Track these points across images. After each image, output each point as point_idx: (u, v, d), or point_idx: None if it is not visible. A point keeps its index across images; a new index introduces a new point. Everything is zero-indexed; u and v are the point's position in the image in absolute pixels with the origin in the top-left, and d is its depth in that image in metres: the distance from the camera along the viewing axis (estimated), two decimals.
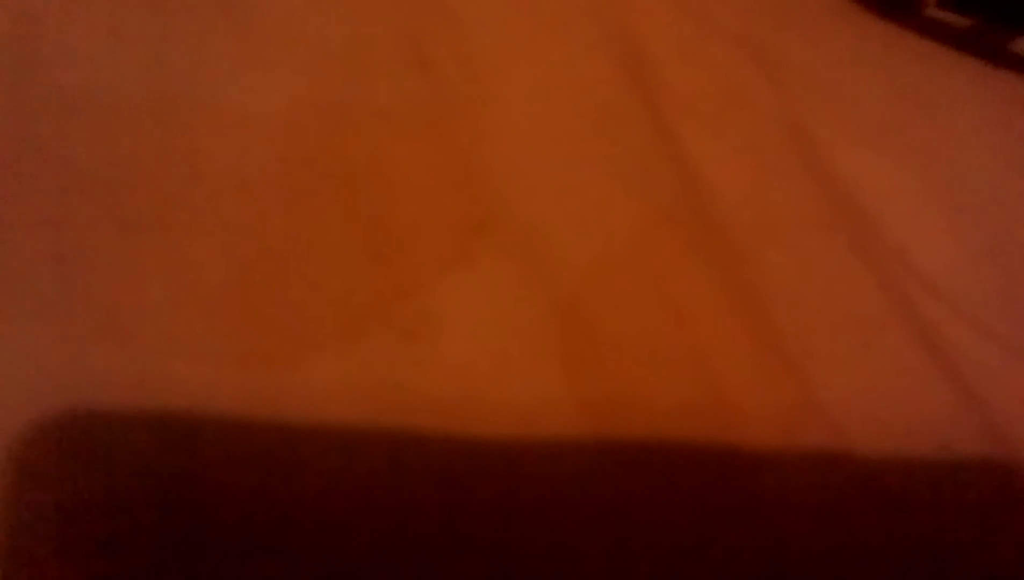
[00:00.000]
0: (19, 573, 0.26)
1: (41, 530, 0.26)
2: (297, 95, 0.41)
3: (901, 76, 0.58)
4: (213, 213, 0.35)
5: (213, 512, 0.28)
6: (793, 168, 0.49)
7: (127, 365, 0.30)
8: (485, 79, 0.46)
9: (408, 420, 0.31)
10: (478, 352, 0.34)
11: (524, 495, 0.31)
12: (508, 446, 0.32)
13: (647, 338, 0.36)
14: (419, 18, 0.46)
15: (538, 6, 0.50)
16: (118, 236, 0.33)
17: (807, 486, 0.33)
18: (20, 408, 0.28)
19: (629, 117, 0.46)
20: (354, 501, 0.29)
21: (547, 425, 0.33)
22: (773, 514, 0.32)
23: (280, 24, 0.43)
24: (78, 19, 0.40)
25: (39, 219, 0.32)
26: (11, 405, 0.28)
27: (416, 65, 0.45)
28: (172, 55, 0.40)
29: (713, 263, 0.40)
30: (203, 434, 0.29)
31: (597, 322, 0.36)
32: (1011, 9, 0.58)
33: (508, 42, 0.48)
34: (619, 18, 0.51)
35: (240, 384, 0.30)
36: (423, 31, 0.46)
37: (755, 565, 0.31)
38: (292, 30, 0.43)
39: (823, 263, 0.43)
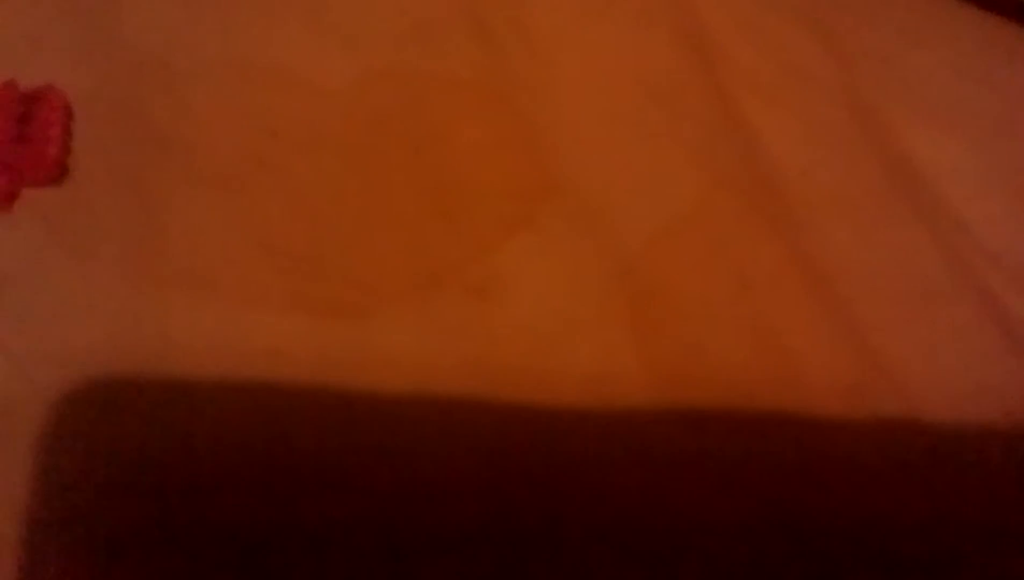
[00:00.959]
0: (46, 540, 0.27)
1: (73, 498, 0.27)
2: (365, 64, 0.42)
3: (963, 51, 0.57)
4: (289, 173, 0.36)
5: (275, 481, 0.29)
6: (854, 141, 0.48)
7: (207, 314, 0.31)
8: (545, 49, 0.46)
9: (480, 379, 0.32)
10: (545, 313, 0.34)
11: (593, 459, 0.32)
12: (577, 412, 0.32)
13: (711, 302, 0.36)
14: None
15: None
16: (199, 192, 0.34)
17: (874, 451, 0.33)
18: (98, 354, 0.30)
19: (689, 86, 0.47)
20: (423, 466, 0.30)
21: (613, 386, 0.33)
22: (841, 479, 0.32)
23: None
24: None
25: (124, 176, 0.34)
26: (93, 349, 0.30)
27: (477, 36, 0.45)
28: (245, 22, 0.41)
29: (776, 230, 0.40)
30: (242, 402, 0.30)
31: (661, 286, 0.37)
32: None
33: (566, 13, 0.48)
34: None
35: (317, 334, 0.31)
36: (483, 2, 0.47)
37: (823, 529, 0.31)
38: (359, 1, 0.44)
39: (887, 235, 0.43)
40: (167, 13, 0.40)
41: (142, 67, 0.38)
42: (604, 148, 0.42)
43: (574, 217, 0.38)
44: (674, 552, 0.30)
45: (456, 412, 0.31)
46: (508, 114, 0.42)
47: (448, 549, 0.29)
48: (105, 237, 0.32)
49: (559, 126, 0.42)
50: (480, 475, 0.30)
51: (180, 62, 0.39)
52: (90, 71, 0.37)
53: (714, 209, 0.41)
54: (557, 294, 0.35)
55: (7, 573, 0.26)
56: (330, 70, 0.40)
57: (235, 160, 0.36)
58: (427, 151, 0.39)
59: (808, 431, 0.34)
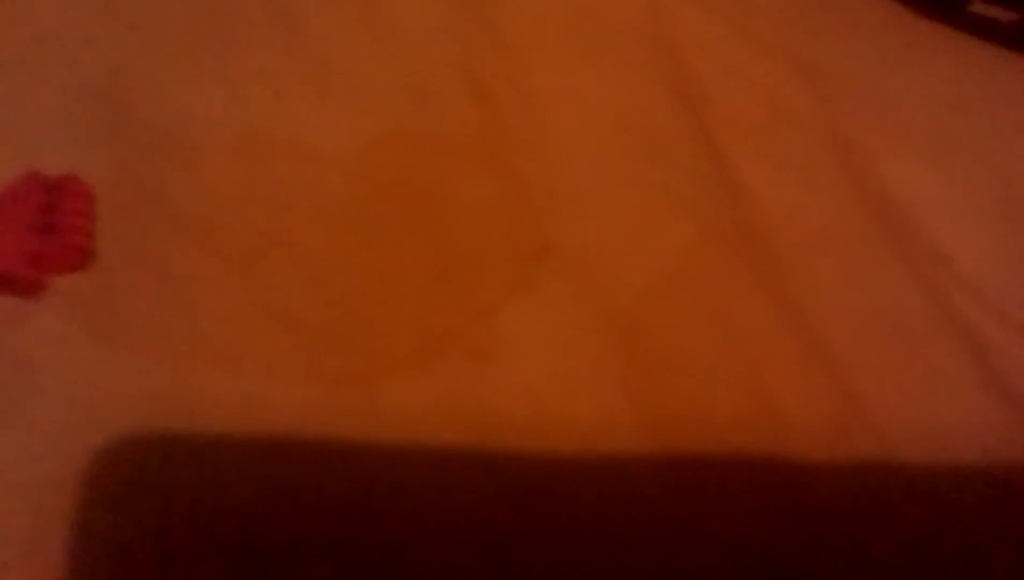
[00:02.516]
0: None
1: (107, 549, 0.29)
2: (367, 131, 0.44)
3: (946, 80, 0.58)
4: (300, 245, 0.38)
5: (294, 535, 0.31)
6: (838, 180, 0.50)
7: (232, 389, 0.33)
8: (539, 105, 0.48)
9: (483, 437, 0.34)
10: (545, 372, 0.37)
11: (592, 510, 0.33)
12: (576, 463, 0.34)
13: (701, 354, 0.38)
14: (474, 49, 0.49)
15: (587, 31, 0.52)
16: (218, 270, 0.36)
17: (854, 493, 0.35)
18: (120, 425, 0.32)
19: (677, 137, 0.49)
20: (433, 519, 0.32)
21: (610, 440, 0.35)
22: (823, 521, 0.34)
23: (347, 62, 0.47)
24: (164, 65, 0.43)
25: (147, 258, 0.36)
26: (114, 422, 0.32)
27: (473, 96, 0.48)
28: (251, 95, 0.44)
29: (762, 279, 0.42)
30: (281, 459, 0.32)
31: (653, 341, 0.39)
32: None
33: (559, 67, 0.51)
34: (666, 38, 0.53)
35: (328, 405, 0.33)
36: (478, 62, 0.49)
37: (806, 570, 0.33)
38: (358, 68, 0.46)
39: (869, 274, 0.45)
40: (178, 90, 0.43)
41: (157, 147, 0.40)
42: (597, 205, 0.44)
43: (569, 277, 0.40)
44: None
45: (458, 469, 0.33)
46: (504, 173, 0.44)
47: None
48: (131, 319, 0.34)
49: (553, 184, 0.44)
50: (481, 525, 0.32)
51: (193, 138, 0.41)
52: (108, 154, 0.39)
53: (702, 261, 0.43)
54: (555, 353, 0.37)
55: None
56: (334, 139, 0.43)
57: (249, 235, 0.38)
58: (428, 214, 0.41)
59: (792, 475, 0.36)
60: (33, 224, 0.34)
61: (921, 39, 0.60)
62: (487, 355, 0.36)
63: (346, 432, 0.33)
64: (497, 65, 0.49)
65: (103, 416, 0.32)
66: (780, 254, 0.44)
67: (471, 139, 0.45)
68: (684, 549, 0.33)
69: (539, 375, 0.36)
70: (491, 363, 0.36)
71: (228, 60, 0.45)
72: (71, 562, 0.29)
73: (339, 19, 0.48)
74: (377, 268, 0.38)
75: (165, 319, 0.34)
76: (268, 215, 0.39)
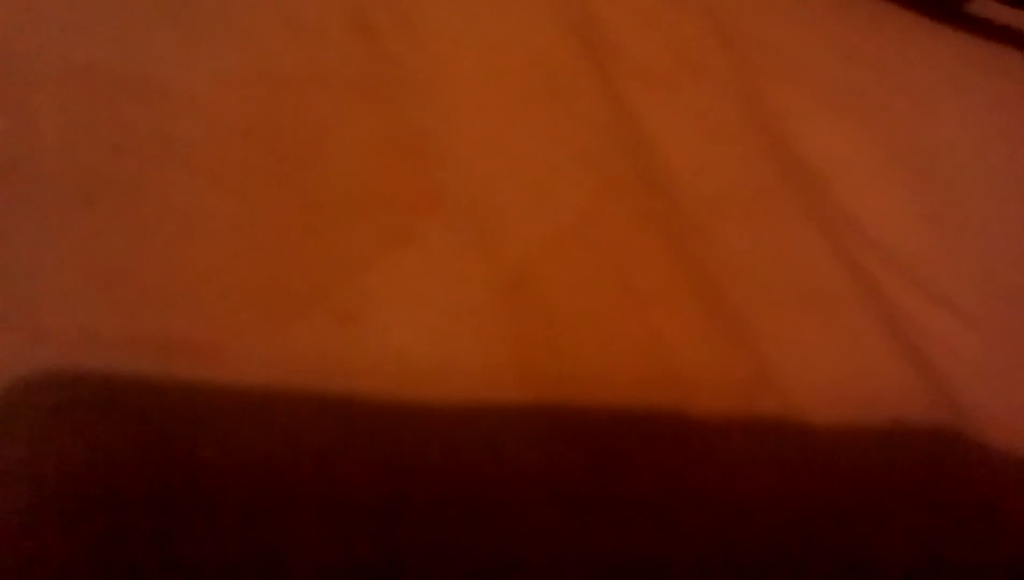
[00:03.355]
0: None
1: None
2: (230, 67, 0.38)
3: (859, 41, 0.57)
4: (136, 191, 0.33)
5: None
6: (748, 136, 0.48)
7: (33, 362, 0.28)
8: (430, 44, 0.44)
9: (340, 418, 0.30)
10: (422, 332, 0.32)
11: (470, 471, 0.30)
12: (452, 425, 0.31)
13: (599, 312, 0.35)
14: None
15: None
16: (34, 216, 0.31)
17: (758, 457, 0.33)
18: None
19: (581, 83, 0.45)
20: (293, 470, 0.28)
21: (492, 403, 0.32)
22: (724, 483, 0.32)
23: None
24: None
25: None
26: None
27: (358, 30, 0.43)
28: (92, 24, 0.38)
29: (666, 235, 0.39)
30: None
31: (547, 298, 0.35)
32: None
33: (455, 6, 0.46)
34: None
35: (155, 379, 0.28)
36: None
37: (706, 533, 0.31)
38: (228, 2, 0.41)
39: (777, 234, 0.42)
40: (8, 12, 0.37)
41: None
42: (492, 151, 0.40)
43: (458, 228, 0.36)
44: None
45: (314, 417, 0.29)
46: (388, 116, 0.40)
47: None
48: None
49: (443, 129, 0.40)
50: (347, 478, 0.28)
51: (20, 67, 0.35)
52: None
53: (603, 215, 0.39)
54: (436, 311, 0.33)
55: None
56: (188, 76, 0.37)
57: (76, 177, 0.32)
58: (296, 159, 0.36)
59: (692, 436, 0.33)
60: None
61: (835, 2, 0.59)
62: (355, 316, 0.32)
63: (175, 414, 0.28)
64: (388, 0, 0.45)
65: None
66: (686, 211, 0.41)
67: (351, 77, 0.40)
68: (570, 506, 0.30)
69: (415, 335, 0.32)
70: (359, 324, 0.32)
71: None
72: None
73: None
74: (230, 219, 0.33)
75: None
76: (100, 156, 0.33)
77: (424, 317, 0.33)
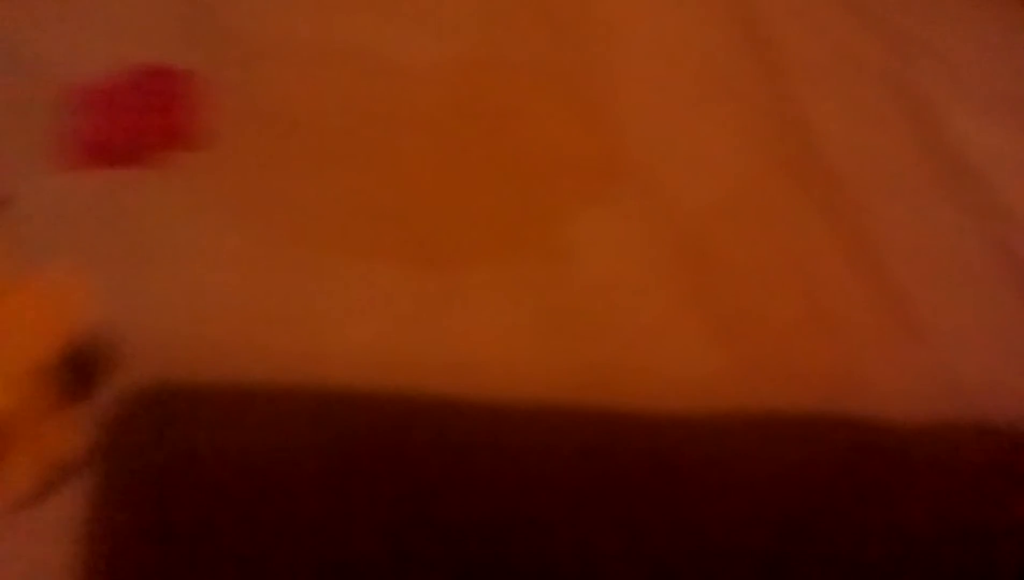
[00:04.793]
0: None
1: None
2: (443, 50, 0.45)
3: (1011, 40, 0.58)
4: (382, 148, 0.40)
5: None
6: (902, 126, 0.51)
7: (323, 266, 0.35)
8: (610, 38, 0.49)
9: (551, 333, 0.36)
10: (612, 275, 0.38)
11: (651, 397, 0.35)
12: (641, 354, 0.36)
13: (761, 267, 0.40)
14: None
15: None
16: (307, 164, 0.38)
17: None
18: (229, 299, 0.34)
19: (745, 75, 0.49)
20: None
21: (673, 341, 0.37)
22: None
23: None
24: None
25: (242, 147, 0.38)
26: (223, 293, 0.34)
27: (545, 24, 0.49)
28: (334, 8, 0.45)
29: (826, 209, 0.43)
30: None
31: (717, 255, 0.40)
32: None
33: (634, 3, 0.52)
34: None
35: (412, 283, 0.35)
36: None
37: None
38: None
39: (929, 215, 0.45)
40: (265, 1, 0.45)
41: (246, 52, 0.42)
42: (665, 129, 0.45)
43: (639, 194, 0.42)
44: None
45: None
46: (575, 98, 0.46)
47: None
48: (237, 196, 0.37)
49: (623, 109, 0.46)
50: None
51: (278, 47, 0.43)
52: (202, 54, 0.41)
53: (765, 187, 0.44)
54: (623, 259, 0.39)
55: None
56: (412, 55, 0.44)
57: (334, 138, 0.40)
58: (503, 130, 0.43)
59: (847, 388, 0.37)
60: (139, 105, 0.36)
61: (995, 6, 0.60)
62: (558, 255, 0.38)
63: (422, 319, 0.35)
64: None
65: (200, 276, 0.34)
66: (844, 189, 0.45)
67: (543, 65, 0.47)
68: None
69: (607, 277, 0.38)
70: (562, 262, 0.38)
71: None
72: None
73: None
74: (456, 172, 0.40)
75: (263, 200, 0.37)
76: (350, 120, 0.41)
77: (614, 263, 0.39)
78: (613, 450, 0.31)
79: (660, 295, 0.38)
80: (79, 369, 0.30)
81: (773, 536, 0.30)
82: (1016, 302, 0.42)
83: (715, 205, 0.42)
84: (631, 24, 0.50)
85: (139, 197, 0.36)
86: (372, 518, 0.28)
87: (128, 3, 0.43)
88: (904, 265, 0.42)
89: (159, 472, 0.28)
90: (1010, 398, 0.38)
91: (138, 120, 0.36)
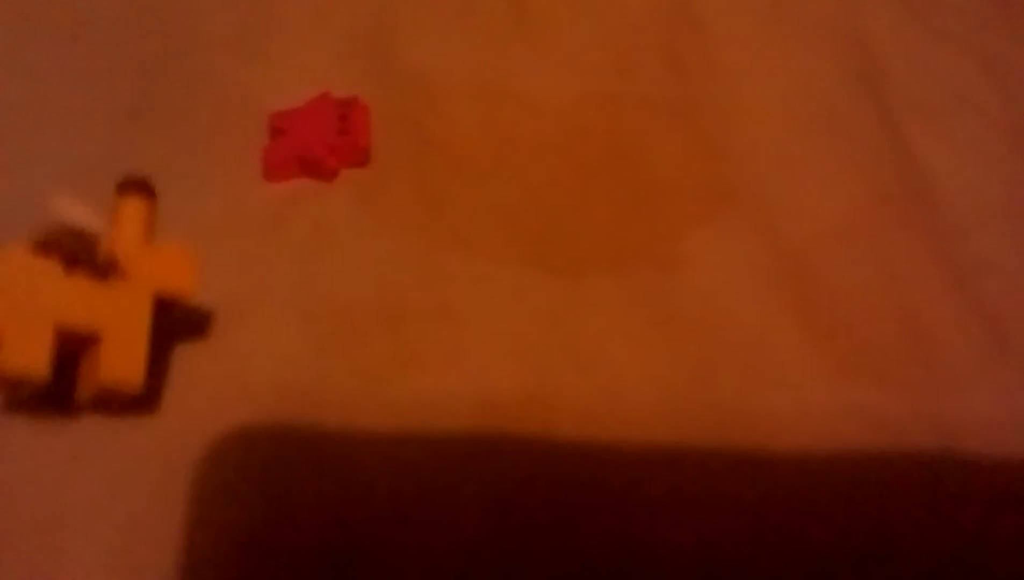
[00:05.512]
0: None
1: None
2: (575, 88, 0.51)
3: None
4: (523, 171, 0.46)
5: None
6: (1014, 169, 0.52)
7: (473, 266, 0.42)
8: (728, 77, 0.54)
9: (663, 334, 0.41)
10: (720, 286, 0.43)
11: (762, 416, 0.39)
12: (740, 362, 0.40)
13: (865, 291, 0.43)
14: (671, 25, 0.56)
15: (776, 14, 0.58)
16: (458, 181, 0.45)
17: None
18: (388, 301, 0.41)
19: (857, 113, 0.53)
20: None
21: (774, 348, 0.41)
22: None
23: (562, 30, 0.54)
24: (418, 18, 0.52)
25: (406, 166, 0.45)
26: (385, 296, 0.41)
27: (668, 63, 0.54)
28: (484, 49, 0.52)
29: (929, 239, 0.46)
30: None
31: (820, 275, 0.44)
32: None
33: (748, 45, 0.56)
34: (852, 24, 0.57)
35: (544, 285, 0.41)
36: (674, 36, 0.55)
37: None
38: (570, 34, 0.54)
39: None
40: (428, 43, 0.52)
41: (412, 84, 0.49)
42: (777, 161, 0.49)
43: (748, 217, 0.46)
44: None
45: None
46: (694, 130, 0.51)
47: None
48: (396, 207, 0.44)
49: (737, 141, 0.50)
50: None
51: (439, 81, 0.50)
52: (377, 87, 0.49)
53: (873, 216, 0.47)
54: (732, 275, 0.43)
55: None
56: (554, 93, 0.51)
57: (483, 158, 0.47)
58: (626, 157, 0.48)
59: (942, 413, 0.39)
60: (331, 127, 0.44)
61: None
62: (673, 268, 0.43)
63: (553, 316, 0.41)
64: (691, 40, 0.55)
65: (367, 281, 0.41)
66: (948, 221, 0.48)
67: (667, 102, 0.52)
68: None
69: (716, 289, 0.42)
70: (674, 273, 0.43)
71: (467, 20, 0.53)
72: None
73: None
74: (583, 193, 0.46)
75: (420, 212, 0.44)
76: (496, 146, 0.47)
77: (723, 278, 0.43)
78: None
79: (764, 306, 0.42)
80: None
81: None
82: None
83: (821, 230, 0.46)
84: (750, 65, 0.54)
85: (313, 205, 0.43)
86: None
87: (318, 44, 0.51)
88: (1005, 299, 0.44)
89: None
90: None
91: (324, 139, 0.44)
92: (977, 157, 0.52)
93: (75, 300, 0.33)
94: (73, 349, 0.34)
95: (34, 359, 0.32)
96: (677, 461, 0.37)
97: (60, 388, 0.35)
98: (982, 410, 0.39)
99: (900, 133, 0.52)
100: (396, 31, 0.52)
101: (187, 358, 0.38)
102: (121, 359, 0.34)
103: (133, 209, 0.37)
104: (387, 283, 0.41)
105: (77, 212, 0.33)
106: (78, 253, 0.33)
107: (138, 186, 0.37)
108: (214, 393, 0.37)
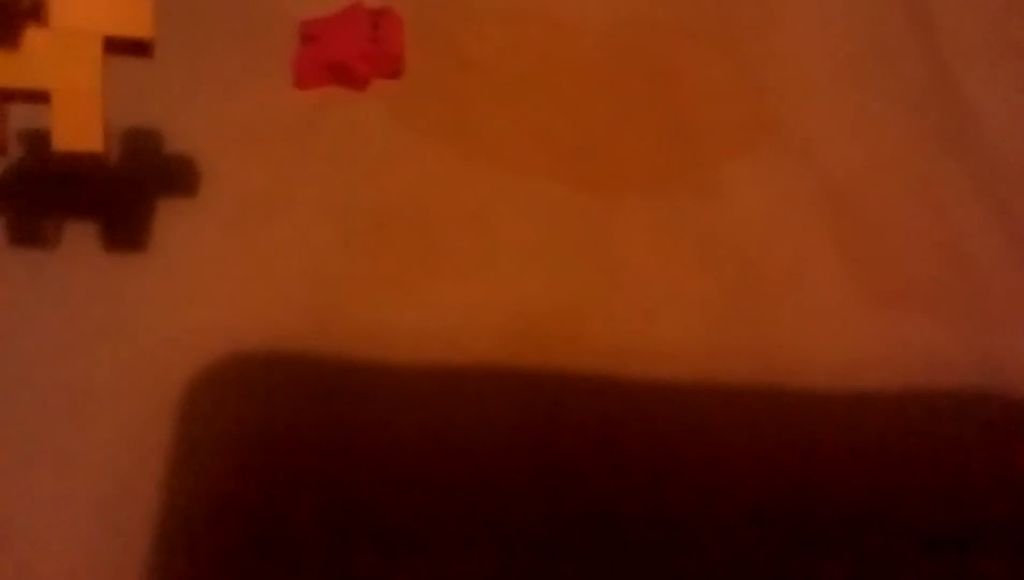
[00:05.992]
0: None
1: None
2: (614, 13, 0.50)
3: None
4: (559, 90, 0.45)
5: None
6: None
7: (501, 179, 0.41)
8: (773, 8, 0.52)
9: (699, 258, 0.39)
10: (757, 215, 0.41)
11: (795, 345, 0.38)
12: (778, 292, 0.39)
13: (908, 224, 0.42)
14: None
15: None
16: (494, 97, 0.44)
17: None
18: (418, 209, 0.40)
19: (907, 50, 0.51)
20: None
21: (811, 275, 0.40)
22: None
23: None
24: None
25: (439, 79, 0.44)
26: (414, 204, 0.40)
27: None
28: None
29: (974, 176, 0.44)
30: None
31: (865, 211, 0.42)
32: None
33: None
34: None
35: (574, 203, 0.40)
36: None
37: None
38: None
39: None
40: None
41: (452, 4, 0.48)
42: (820, 93, 0.48)
43: (790, 148, 0.44)
44: None
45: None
46: (735, 59, 0.49)
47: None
48: (428, 119, 0.43)
49: (780, 73, 0.48)
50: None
51: (478, 3, 0.49)
52: (414, 2, 0.47)
53: (917, 153, 0.45)
54: (768, 203, 0.42)
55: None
56: (589, 17, 0.49)
57: (518, 77, 0.45)
58: (665, 83, 0.47)
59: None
60: (363, 35, 0.43)
61: None
62: (708, 194, 0.42)
63: (585, 238, 0.39)
64: None
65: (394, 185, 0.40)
66: (996, 162, 0.46)
67: (708, 30, 0.50)
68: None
69: (754, 216, 0.41)
70: (711, 200, 0.41)
71: None
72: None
73: None
74: (619, 115, 0.44)
75: (453, 125, 0.42)
76: (532, 65, 0.46)
77: (762, 206, 0.42)
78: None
79: (805, 237, 0.41)
80: None
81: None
82: None
83: (863, 164, 0.44)
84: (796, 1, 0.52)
85: (344, 112, 0.42)
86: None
87: None
88: None
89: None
90: None
91: (356, 48, 0.43)
92: (1022, 98, 0.50)
93: (6, 56, 0.29)
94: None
95: None
96: (711, 390, 0.36)
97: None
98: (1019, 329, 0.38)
99: (947, 71, 0.50)
100: None
101: (215, 252, 0.37)
102: (74, 118, 0.30)
103: None
104: (419, 191, 0.40)
105: None
106: None
107: None
108: (241, 288, 0.36)
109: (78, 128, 0.30)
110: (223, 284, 0.36)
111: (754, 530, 0.32)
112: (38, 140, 0.32)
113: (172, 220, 0.38)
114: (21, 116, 0.32)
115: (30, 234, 0.35)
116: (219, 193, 0.39)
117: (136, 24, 0.31)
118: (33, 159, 0.33)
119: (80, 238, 0.36)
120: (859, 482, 0.34)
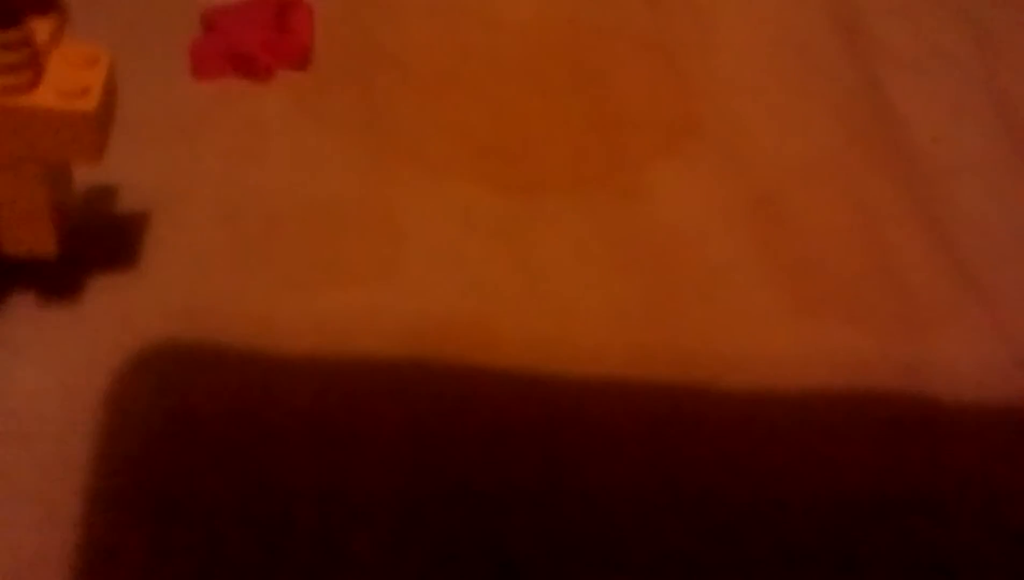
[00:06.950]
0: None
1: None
2: (541, 10, 0.48)
3: None
4: (479, 86, 0.43)
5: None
6: (989, 121, 0.51)
7: (419, 179, 0.38)
8: (705, 12, 0.51)
9: (622, 260, 0.38)
10: (682, 218, 0.40)
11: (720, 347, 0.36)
12: (702, 292, 0.37)
13: (836, 231, 0.41)
14: None
15: None
16: (410, 94, 0.42)
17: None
18: (333, 205, 0.37)
19: (834, 55, 0.50)
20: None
21: (736, 280, 0.38)
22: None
23: None
24: None
25: (352, 73, 0.42)
26: (332, 200, 0.37)
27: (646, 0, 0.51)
28: None
29: (900, 180, 0.44)
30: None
31: (787, 210, 0.41)
32: None
33: None
34: None
35: (497, 204, 0.38)
36: None
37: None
38: None
39: (1009, 197, 0.45)
40: None
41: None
42: (749, 97, 0.47)
43: (715, 149, 0.43)
44: None
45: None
46: (664, 64, 0.48)
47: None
48: (337, 114, 0.40)
49: (710, 77, 0.47)
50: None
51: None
52: None
53: (844, 158, 0.45)
54: (693, 206, 0.41)
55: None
56: (516, 12, 0.47)
57: (436, 73, 0.43)
58: (591, 82, 0.45)
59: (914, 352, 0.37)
60: (268, 24, 0.40)
61: None
62: (631, 195, 0.40)
63: (508, 236, 0.37)
64: None
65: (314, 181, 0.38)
66: (921, 164, 0.45)
67: (639, 31, 0.49)
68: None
69: (676, 219, 0.40)
70: (634, 202, 0.40)
71: None
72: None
73: None
74: (544, 114, 0.43)
75: (364, 121, 0.40)
76: (452, 60, 0.44)
77: (685, 207, 0.40)
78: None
79: (728, 240, 0.39)
80: None
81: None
82: None
83: (791, 168, 0.43)
84: (727, 7, 0.52)
85: (246, 105, 0.40)
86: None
87: None
88: (976, 245, 0.42)
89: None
90: None
91: (260, 36, 0.40)
92: (953, 109, 0.50)
93: None
94: None
95: None
96: (629, 393, 0.34)
97: None
98: (949, 353, 0.37)
99: (876, 79, 0.50)
100: None
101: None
102: (23, 226, 0.30)
103: None
104: (323, 190, 0.37)
105: None
106: None
107: None
108: (126, 297, 0.33)
109: (28, 235, 0.30)
110: (101, 287, 0.33)
111: (664, 530, 0.31)
112: None
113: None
114: None
115: None
116: (105, 191, 0.36)
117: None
118: None
119: None
120: (772, 483, 0.33)
